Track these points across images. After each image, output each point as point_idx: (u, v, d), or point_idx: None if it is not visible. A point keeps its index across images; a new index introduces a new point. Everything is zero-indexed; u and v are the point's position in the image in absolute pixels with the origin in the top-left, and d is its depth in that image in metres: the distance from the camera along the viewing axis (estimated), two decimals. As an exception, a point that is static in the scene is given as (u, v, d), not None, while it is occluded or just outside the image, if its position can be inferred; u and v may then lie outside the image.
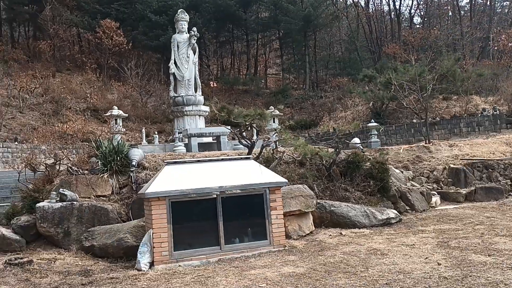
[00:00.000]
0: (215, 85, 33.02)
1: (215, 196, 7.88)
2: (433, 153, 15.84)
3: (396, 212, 10.51)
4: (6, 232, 8.62)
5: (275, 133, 11.45)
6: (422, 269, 6.24)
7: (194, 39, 18.97)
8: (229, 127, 13.50)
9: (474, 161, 14.76)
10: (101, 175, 9.85)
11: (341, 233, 9.11)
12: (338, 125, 22.23)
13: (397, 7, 39.14)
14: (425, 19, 42.09)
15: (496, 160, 14.86)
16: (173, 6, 30.00)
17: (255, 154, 10.85)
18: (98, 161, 10.14)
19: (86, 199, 9.47)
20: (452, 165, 14.60)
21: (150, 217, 7.66)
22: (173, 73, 19.33)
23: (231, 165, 8.67)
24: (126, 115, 17.76)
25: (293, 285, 5.89)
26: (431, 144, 16.40)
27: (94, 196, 9.66)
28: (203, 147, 16.18)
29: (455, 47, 34.70)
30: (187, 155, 12.24)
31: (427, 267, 6.33)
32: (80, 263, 7.79)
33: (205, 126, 19.02)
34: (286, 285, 5.89)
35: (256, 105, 25.89)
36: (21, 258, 7.46)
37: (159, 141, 19.64)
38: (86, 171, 10.04)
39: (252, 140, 10.90)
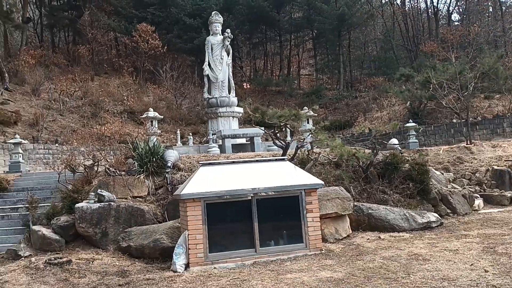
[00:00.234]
0: (248, 86, 33.06)
1: (250, 198, 7.79)
2: (475, 154, 15.22)
3: (437, 215, 10.13)
4: (46, 232, 8.83)
5: (309, 134, 11.25)
6: (468, 276, 5.93)
7: (228, 41, 19.00)
8: (262, 128, 13.40)
9: (520, 162, 14.07)
10: (138, 176, 9.96)
11: (379, 237, 8.83)
12: (373, 125, 21.77)
13: (435, 4, 38.15)
14: (464, 15, 40.71)
15: (544, 161, 14.11)
16: (206, 8, 30.23)
17: (289, 155, 10.71)
18: (134, 162, 10.26)
19: (123, 200, 9.59)
20: (495, 167, 13.95)
21: (185, 219, 7.65)
22: (207, 75, 19.42)
23: (266, 167, 8.57)
24: (162, 117, 17.97)
25: (331, 290, 5.72)
26: (472, 144, 15.76)
27: (130, 197, 9.78)
28: (236, 148, 16.17)
29: (497, 44, 33.37)
30: (221, 157, 12.23)
31: (473, 274, 6.02)
32: (117, 264, 7.87)
33: (239, 128, 19.02)
34: (323, 290, 5.73)
35: (289, 106, 25.65)
36: (61, 258, 7.61)
37: (193, 143, 19.78)
38: (123, 172, 10.18)
39: (286, 141, 10.75)
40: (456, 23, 41.59)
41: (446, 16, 41.86)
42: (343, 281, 6.07)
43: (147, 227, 8.77)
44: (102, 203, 9.05)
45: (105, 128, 21.38)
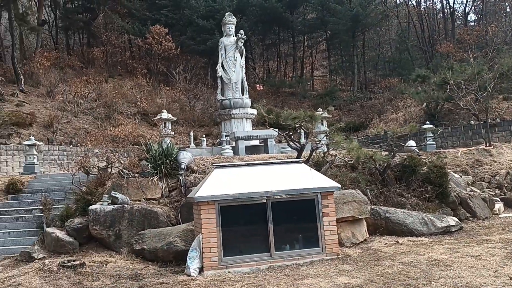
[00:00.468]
0: (261, 88, 32.93)
1: (264, 201, 7.64)
2: (495, 157, 14.86)
3: (456, 219, 9.87)
4: (60, 234, 8.79)
5: (325, 135, 11.05)
6: (493, 283, 5.70)
7: (241, 42, 18.91)
8: (276, 130, 13.24)
9: (542, 165, 13.68)
10: (151, 178, 9.88)
11: (397, 242, 8.61)
12: (389, 127, 21.44)
13: (451, 4, 37.46)
14: (481, 15, 40.03)
15: None
16: (220, 10, 30.22)
17: (304, 157, 10.53)
18: (148, 164, 10.19)
19: (137, 202, 9.52)
20: (516, 170, 13.60)
21: (199, 222, 7.53)
22: (220, 76, 19.36)
23: (281, 169, 8.41)
24: (175, 118, 17.93)
25: (350, 297, 5.54)
26: (491, 147, 15.40)
27: (144, 199, 9.70)
28: (250, 150, 16.03)
29: (515, 44, 32.68)
30: (235, 158, 12.10)
31: (497, 281, 5.78)
32: (130, 267, 7.79)
33: (252, 129, 18.89)
34: (342, 297, 5.55)
35: (303, 107, 25.47)
36: (74, 261, 7.55)
37: (206, 144, 19.71)
38: (136, 174, 10.11)
39: (301, 143, 10.58)
40: (472, 23, 40.93)
41: (462, 17, 41.23)
42: (361, 288, 5.88)
43: (160, 230, 8.68)
44: (116, 205, 8.98)
45: (119, 130, 21.43)
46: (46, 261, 7.81)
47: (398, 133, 11.34)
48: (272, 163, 8.80)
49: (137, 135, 21.14)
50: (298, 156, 10.45)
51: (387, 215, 9.37)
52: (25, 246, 9.13)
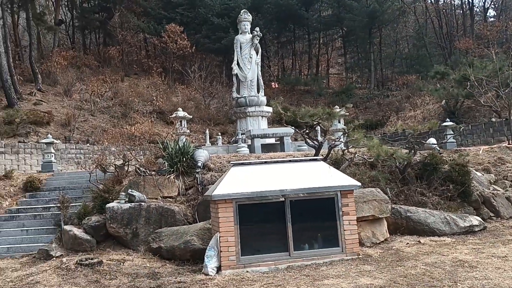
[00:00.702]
0: (276, 86, 32.73)
1: (283, 199, 7.50)
2: (517, 155, 14.43)
3: (479, 219, 9.58)
4: (78, 232, 8.78)
5: (344, 133, 10.86)
6: (522, 286, 5.47)
7: (257, 39, 18.77)
8: (293, 128, 13.07)
9: None
10: (168, 176, 9.82)
11: (419, 241, 8.38)
12: (406, 124, 21.07)
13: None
14: (500, 11, 39.19)
15: None
16: (235, 8, 30.12)
17: (322, 155, 10.35)
18: (164, 162, 10.13)
19: (153, 200, 9.46)
20: (540, 168, 13.18)
21: (216, 220, 7.43)
22: (236, 74, 19.25)
23: (299, 167, 8.25)
24: (191, 116, 17.90)
25: (373, 299, 5.37)
26: (514, 144, 14.98)
27: (161, 197, 9.64)
28: (266, 148, 15.89)
29: (537, 39, 31.91)
30: (251, 156, 11.98)
31: (528, 284, 5.55)
32: (148, 265, 7.72)
33: (267, 127, 18.75)
34: (365, 299, 5.39)
35: (319, 105, 25.19)
36: (91, 259, 7.51)
37: (222, 143, 19.63)
38: (153, 172, 10.05)
39: (319, 141, 10.40)
40: (491, 19, 40.10)
41: (481, 12, 40.43)
42: (385, 289, 5.71)
43: (177, 228, 8.60)
44: (133, 203, 8.93)
45: (135, 128, 21.51)
46: (64, 259, 7.79)
47: (420, 130, 11.04)
48: (290, 161, 8.64)
49: (153, 133, 21.19)
50: (316, 154, 10.28)
51: (408, 214, 9.14)
52: (42, 244, 9.16)
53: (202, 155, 10.26)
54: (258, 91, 19.15)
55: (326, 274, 6.59)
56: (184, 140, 13.33)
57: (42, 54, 30.04)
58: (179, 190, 9.86)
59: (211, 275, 6.94)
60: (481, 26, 32.60)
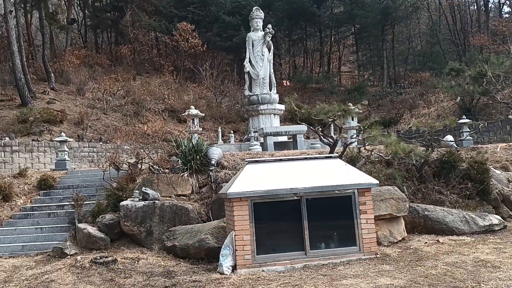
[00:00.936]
0: (288, 84, 32.58)
1: (299, 197, 7.37)
2: (536, 152, 14.10)
3: (499, 218, 9.36)
4: (92, 230, 8.75)
5: (359, 130, 10.69)
6: (550, 287, 5.28)
7: (269, 36, 18.65)
8: (307, 125, 12.91)
9: None
10: (181, 174, 9.74)
11: (438, 241, 8.20)
12: (421, 122, 20.75)
13: (485, -5, 35.90)
14: (516, 6, 38.48)
15: None
16: (246, 6, 30.01)
17: (337, 153, 10.19)
18: (178, 160, 10.05)
19: (167, 198, 9.40)
20: (561, 166, 12.86)
21: (231, 219, 7.33)
22: (248, 72, 19.16)
23: (315, 165, 8.12)
24: (203, 114, 17.84)
25: (394, 300, 5.23)
26: (533, 142, 14.65)
27: (174, 195, 9.57)
28: (278, 146, 15.76)
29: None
30: (265, 154, 11.87)
31: (555, 285, 5.36)
32: (162, 264, 7.66)
33: (279, 125, 18.62)
34: (385, 300, 5.25)
35: (331, 103, 25.01)
36: (106, 257, 7.46)
37: (234, 141, 19.55)
38: (167, 170, 9.99)
39: (334, 138, 10.24)
40: (506, 15, 39.43)
41: (496, 8, 39.80)
42: (406, 290, 5.56)
43: (191, 227, 8.53)
44: (147, 201, 8.88)
45: (147, 127, 21.52)
46: (78, 257, 7.76)
47: (437, 128, 10.82)
48: (305, 158, 8.51)
49: (165, 131, 21.19)
50: (331, 152, 10.12)
51: (425, 213, 8.96)
52: (57, 242, 9.14)
53: (215, 153, 10.16)
54: (270, 89, 19.04)
55: (344, 274, 6.45)
56: (196, 138, 13.26)
57: (55, 53, 30.24)
58: (192, 188, 9.78)
59: (226, 274, 6.84)
60: (497, 22, 32.03)
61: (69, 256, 8.21)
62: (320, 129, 10.72)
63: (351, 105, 16.70)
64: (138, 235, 8.71)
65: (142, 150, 11.12)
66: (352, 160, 9.92)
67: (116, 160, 10.92)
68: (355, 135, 10.92)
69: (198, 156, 9.99)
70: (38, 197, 11.56)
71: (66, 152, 14.79)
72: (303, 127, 14.86)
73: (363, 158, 9.64)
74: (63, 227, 9.88)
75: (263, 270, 6.94)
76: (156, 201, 8.92)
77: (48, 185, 11.88)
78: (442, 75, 25.99)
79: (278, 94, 19.26)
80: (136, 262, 7.61)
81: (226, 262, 7.03)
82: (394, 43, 35.63)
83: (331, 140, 10.23)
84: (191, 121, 16.09)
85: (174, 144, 10.77)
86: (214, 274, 6.93)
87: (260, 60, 19.07)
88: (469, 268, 6.37)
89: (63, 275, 6.97)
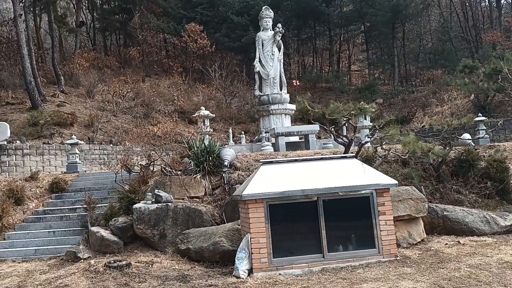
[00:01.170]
0: (297, 83, 32.33)
1: (315, 198, 7.20)
2: (555, 150, 13.77)
3: (521, 217, 9.08)
4: (105, 233, 8.65)
5: (374, 129, 10.48)
6: None
7: (279, 36, 18.42)
8: (320, 125, 12.71)
9: None
10: (194, 175, 9.61)
11: (459, 242, 7.97)
12: (436, 120, 20.41)
13: (497, -9, 35.33)
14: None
15: None
16: (254, 6, 29.83)
17: (352, 152, 9.99)
18: (190, 162, 9.93)
19: (180, 200, 9.27)
20: None
21: (247, 221, 7.17)
22: (258, 72, 18.94)
23: (331, 165, 7.93)
24: (214, 115, 17.71)
25: (419, 305, 5.04)
26: (551, 139, 14.30)
27: (187, 197, 9.45)
28: (290, 146, 15.55)
29: None
30: (278, 155, 11.69)
31: None
32: (176, 267, 7.53)
33: (291, 125, 18.40)
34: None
35: (344, 102, 24.75)
36: (120, 261, 7.35)
37: (245, 141, 19.38)
38: (179, 172, 9.86)
39: (349, 138, 10.04)
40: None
41: (507, 5, 39.19)
42: (430, 294, 5.36)
43: (205, 229, 8.39)
44: (160, 204, 8.76)
45: (157, 128, 21.45)
46: (92, 261, 7.65)
47: (454, 125, 10.57)
48: (321, 158, 8.33)
49: (175, 133, 21.10)
50: (346, 151, 9.93)
51: (445, 213, 8.74)
52: (70, 246, 9.05)
53: (228, 153, 10.02)
54: (281, 89, 18.82)
55: (364, 277, 6.27)
56: (208, 139, 13.12)
57: (64, 56, 30.32)
58: (205, 190, 9.65)
59: (242, 278, 6.69)
60: (509, 18, 31.52)
61: (82, 260, 8.11)
62: (337, 128, 10.53)
63: (363, 103, 16.49)
64: (151, 238, 8.59)
65: (154, 152, 10.99)
66: (368, 160, 9.72)
67: (127, 162, 10.82)
68: (370, 134, 10.68)
69: (210, 158, 9.86)
70: (50, 200, 11.50)
71: (77, 155, 14.74)
72: (316, 127, 14.65)
73: (379, 157, 9.43)
74: (76, 231, 9.79)
75: (280, 274, 6.78)
76: (169, 204, 8.79)
77: (60, 188, 11.81)
78: (455, 72, 25.57)
79: (288, 94, 19.06)
80: (150, 265, 7.48)
81: (242, 266, 6.88)
82: (405, 41, 35.22)
83: (346, 140, 10.04)
84: (202, 122, 15.96)
85: (186, 146, 10.63)
86: (230, 278, 6.78)
87: (270, 59, 18.86)
88: (494, 270, 6.16)
89: (77, 280, 6.87)
